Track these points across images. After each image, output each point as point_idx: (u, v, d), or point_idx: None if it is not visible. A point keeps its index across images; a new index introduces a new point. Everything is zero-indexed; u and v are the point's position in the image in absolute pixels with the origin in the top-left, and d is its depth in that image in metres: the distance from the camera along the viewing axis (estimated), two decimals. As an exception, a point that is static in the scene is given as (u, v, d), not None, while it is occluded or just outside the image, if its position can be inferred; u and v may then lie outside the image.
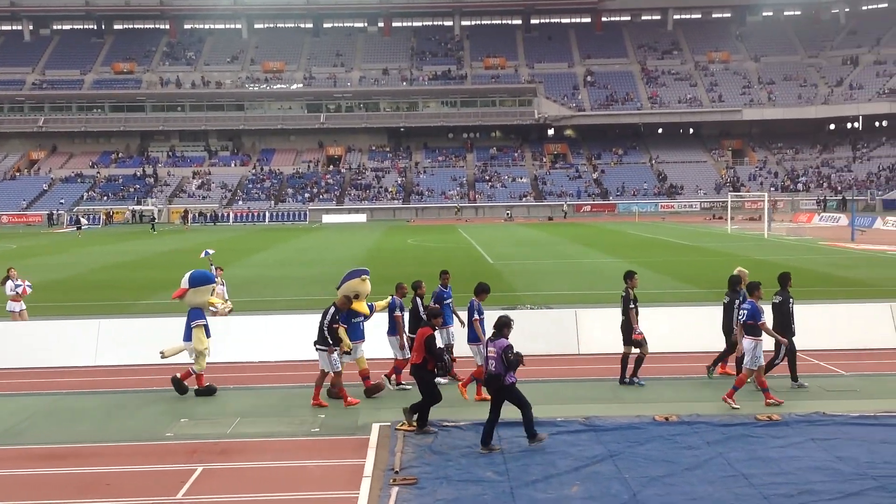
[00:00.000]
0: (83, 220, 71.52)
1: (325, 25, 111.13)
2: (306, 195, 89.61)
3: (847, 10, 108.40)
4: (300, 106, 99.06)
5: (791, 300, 14.20)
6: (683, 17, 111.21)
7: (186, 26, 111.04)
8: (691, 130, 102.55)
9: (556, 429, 11.82)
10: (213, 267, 19.56)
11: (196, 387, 14.46)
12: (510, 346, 11.13)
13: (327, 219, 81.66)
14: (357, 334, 14.34)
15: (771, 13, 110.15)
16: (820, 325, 16.57)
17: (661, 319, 17.21)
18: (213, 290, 15.59)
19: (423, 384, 12.01)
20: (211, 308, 15.88)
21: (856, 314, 17.91)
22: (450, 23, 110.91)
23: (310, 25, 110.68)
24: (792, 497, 9.20)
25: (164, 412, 13.33)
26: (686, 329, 17.17)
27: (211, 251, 20.62)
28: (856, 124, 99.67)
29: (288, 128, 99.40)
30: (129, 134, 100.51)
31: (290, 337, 17.11)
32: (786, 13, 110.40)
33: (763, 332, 13.21)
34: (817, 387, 14.19)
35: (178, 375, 14.45)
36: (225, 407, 13.59)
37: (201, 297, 14.80)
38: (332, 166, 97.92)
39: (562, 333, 17.23)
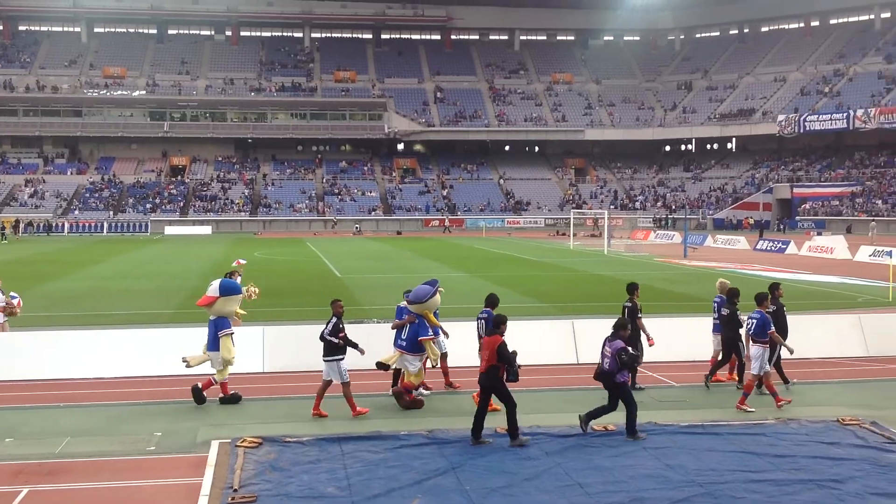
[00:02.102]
0: None
1: (171, 32, 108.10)
2: (148, 206, 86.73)
3: (682, 37, 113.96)
4: (143, 113, 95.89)
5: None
6: (530, 38, 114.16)
7: (21, 27, 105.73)
8: (537, 148, 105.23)
9: (400, 442, 11.83)
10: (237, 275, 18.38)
11: (221, 395, 14.36)
12: (625, 348, 12.07)
13: (170, 230, 79.29)
14: (421, 347, 14.16)
15: (612, 38, 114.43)
16: (655, 338, 17.17)
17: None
18: (240, 300, 15.29)
19: (499, 392, 11.82)
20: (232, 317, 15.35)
21: (686, 327, 18.72)
22: (300, 34, 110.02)
23: (154, 31, 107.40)
24: (624, 504, 9.52)
25: (-14, 432, 12.59)
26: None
27: (243, 261, 19.66)
28: (689, 146, 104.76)
29: (129, 136, 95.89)
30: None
31: (126, 352, 16.51)
32: (625, 38, 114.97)
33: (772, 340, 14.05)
34: (650, 398, 14.75)
35: (200, 385, 14.29)
36: (53, 425, 12.93)
37: (231, 306, 14.74)
38: (176, 176, 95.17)
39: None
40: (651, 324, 15.74)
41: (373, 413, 13.67)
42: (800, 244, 51.60)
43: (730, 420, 13.12)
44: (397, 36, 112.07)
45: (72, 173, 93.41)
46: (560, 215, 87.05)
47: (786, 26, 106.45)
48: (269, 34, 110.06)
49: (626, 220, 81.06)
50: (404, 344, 14.22)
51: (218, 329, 14.37)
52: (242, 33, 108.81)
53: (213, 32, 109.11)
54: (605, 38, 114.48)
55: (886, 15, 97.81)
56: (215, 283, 14.76)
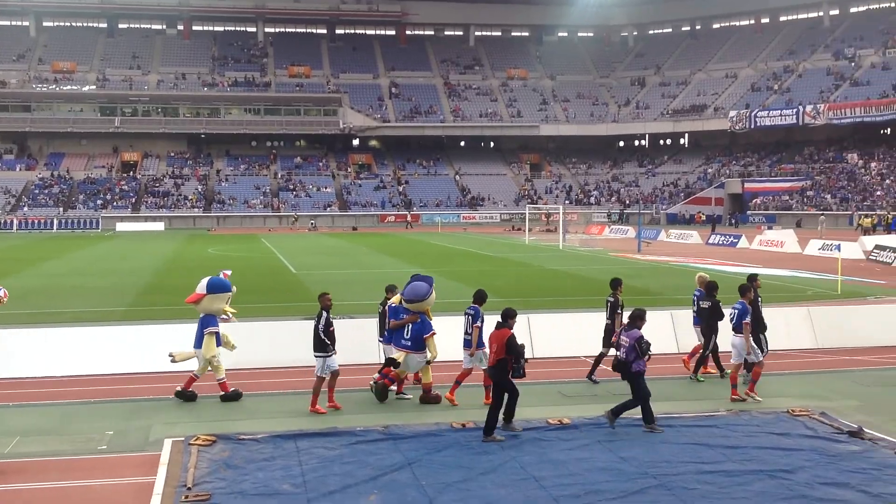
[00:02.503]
0: None
1: (121, 26, 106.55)
2: (99, 202, 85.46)
3: (635, 33, 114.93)
4: (93, 108, 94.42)
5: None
6: (485, 34, 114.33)
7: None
8: (492, 144, 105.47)
9: (356, 438, 11.82)
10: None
11: (222, 393, 14.33)
12: (643, 336, 12.38)
13: (122, 227, 78.27)
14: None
15: (566, 34, 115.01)
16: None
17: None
18: (229, 298, 15.15)
19: (504, 384, 11.99)
20: (222, 316, 15.17)
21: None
22: (253, 29, 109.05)
23: (104, 25, 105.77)
24: (579, 497, 9.59)
25: (-67, 434, 12.33)
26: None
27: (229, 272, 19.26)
28: (643, 142, 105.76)
29: (79, 131, 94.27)
30: None
31: (78, 350, 16.27)
32: (579, 34, 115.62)
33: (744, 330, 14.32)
34: (605, 391, 14.87)
35: (182, 386, 14.41)
36: (3, 425, 12.70)
37: (217, 304, 14.65)
38: (127, 172, 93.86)
39: (363, 342, 17.22)
40: (600, 318, 15.94)
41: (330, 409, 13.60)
42: (751, 238, 52.31)
43: (683, 412, 13.27)
44: (352, 31, 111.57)
45: (20, 169, 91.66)
46: (516, 210, 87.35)
47: (737, 23, 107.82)
48: (221, 28, 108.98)
49: (580, 215, 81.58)
50: (409, 344, 14.17)
51: (203, 327, 14.42)
52: (195, 27, 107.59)
53: (164, 27, 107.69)
54: (560, 34, 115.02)
55: (835, 12, 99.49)
56: (203, 281, 14.74)
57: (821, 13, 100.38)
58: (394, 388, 14.63)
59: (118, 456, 11.29)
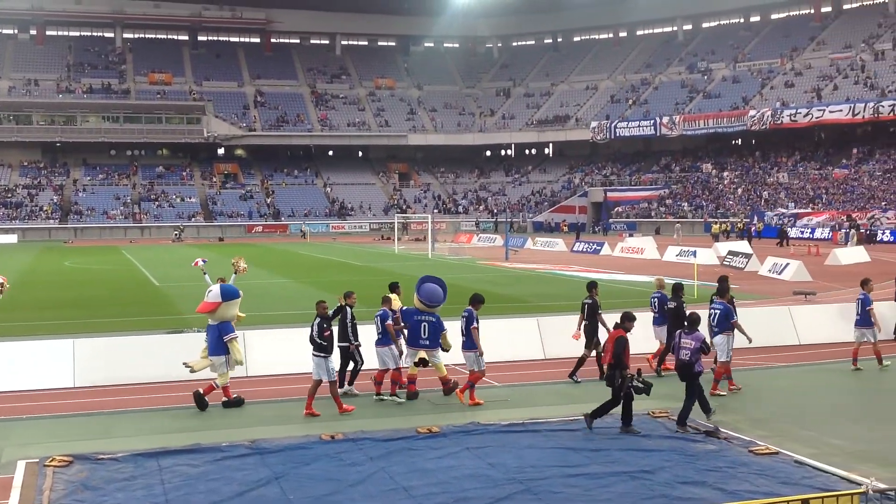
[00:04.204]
0: None
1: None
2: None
3: (500, 45, 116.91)
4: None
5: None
6: (351, 43, 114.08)
7: None
8: (360, 153, 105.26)
9: (222, 454, 11.54)
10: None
11: (224, 399, 14.47)
12: (705, 340, 13.01)
13: (-29, 240, 74.39)
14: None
15: (432, 44, 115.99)
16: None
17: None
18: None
19: (619, 386, 12.45)
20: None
21: (508, 328, 19.19)
22: (111, 34, 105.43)
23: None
24: (448, 505, 9.63)
25: None
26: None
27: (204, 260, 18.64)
28: (509, 151, 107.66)
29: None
30: None
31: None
32: (446, 45, 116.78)
33: (734, 329, 15.34)
34: (550, 393, 15.08)
35: (201, 391, 14.38)
36: None
37: (232, 310, 14.94)
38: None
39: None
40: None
41: (220, 420, 13.26)
42: (613, 245, 53.85)
43: (548, 417, 13.51)
44: (215, 38, 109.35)
45: None
46: (385, 220, 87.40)
47: (596, 36, 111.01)
48: (77, 34, 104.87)
49: (449, 224, 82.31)
50: (428, 343, 14.90)
51: (223, 334, 14.61)
52: (49, 32, 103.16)
53: (16, 31, 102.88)
54: (426, 44, 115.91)
55: (688, 27, 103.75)
56: (216, 289, 15.02)
57: (675, 28, 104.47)
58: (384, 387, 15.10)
59: (-35, 482, 10.69)
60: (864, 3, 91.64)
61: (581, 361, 16.35)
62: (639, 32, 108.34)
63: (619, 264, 44.65)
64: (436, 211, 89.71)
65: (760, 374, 17.08)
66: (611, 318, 19.59)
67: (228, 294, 14.90)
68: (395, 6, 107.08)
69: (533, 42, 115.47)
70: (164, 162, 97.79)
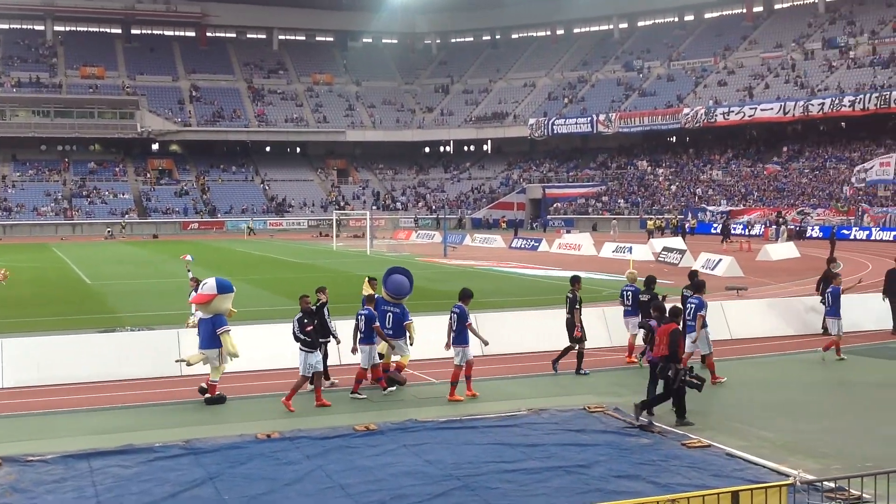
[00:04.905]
0: None
1: None
2: None
3: (438, 41, 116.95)
4: None
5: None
6: (288, 37, 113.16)
7: None
8: (298, 149, 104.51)
9: (155, 455, 11.37)
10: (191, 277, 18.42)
11: (207, 395, 14.54)
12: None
13: None
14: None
15: (371, 40, 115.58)
16: (416, 336, 17.38)
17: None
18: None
19: (671, 379, 12.72)
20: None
21: (445, 325, 19.15)
22: (41, 27, 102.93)
23: None
24: (385, 503, 9.61)
25: None
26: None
27: (190, 257, 18.31)
28: (447, 148, 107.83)
29: None
30: None
31: None
32: (384, 41, 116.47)
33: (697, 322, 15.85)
34: (411, 395, 15.03)
35: (205, 385, 14.67)
36: None
37: (226, 303, 14.96)
38: None
39: (162, 355, 16.64)
40: (415, 322, 16.20)
41: (151, 420, 13.04)
42: (551, 242, 54.27)
43: (486, 413, 13.57)
44: (149, 31, 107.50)
45: None
46: (323, 216, 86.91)
47: (534, 34, 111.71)
48: (6, 26, 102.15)
49: (388, 221, 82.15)
50: (392, 332, 15.31)
51: (216, 327, 14.59)
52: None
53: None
54: (365, 39, 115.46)
55: (624, 25, 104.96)
56: (211, 281, 15.01)
57: (611, 26, 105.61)
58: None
59: None
60: (795, 4, 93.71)
61: (564, 352, 16.84)
62: (576, 30, 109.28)
63: (556, 260, 45.01)
64: (375, 207, 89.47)
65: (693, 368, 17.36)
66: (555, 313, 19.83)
67: (223, 287, 14.97)
68: (333, 1, 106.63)
69: (471, 39, 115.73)
70: (97, 157, 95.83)
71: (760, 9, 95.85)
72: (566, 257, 47.67)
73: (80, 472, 10.71)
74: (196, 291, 15.91)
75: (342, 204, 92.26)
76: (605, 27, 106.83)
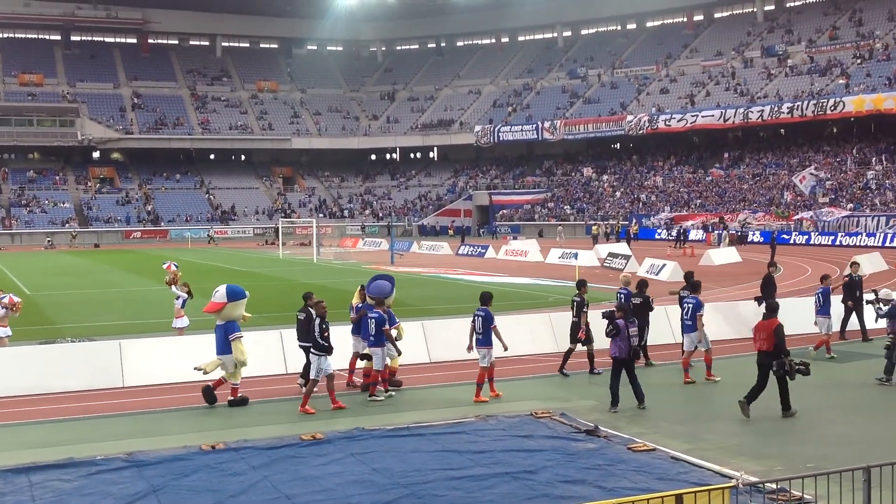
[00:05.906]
0: None
1: None
2: None
3: (383, 49, 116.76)
4: None
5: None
6: (232, 44, 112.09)
7: None
8: (243, 157, 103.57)
9: (96, 468, 11.17)
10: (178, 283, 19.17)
11: (230, 398, 14.77)
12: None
13: None
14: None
15: (316, 47, 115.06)
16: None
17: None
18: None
19: (788, 372, 13.39)
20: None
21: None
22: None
23: None
24: (332, 512, 9.56)
25: None
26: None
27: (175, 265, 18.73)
28: (394, 155, 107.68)
29: None
30: None
31: None
32: (329, 48, 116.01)
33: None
34: (357, 403, 14.96)
35: (211, 384, 14.82)
36: None
37: (238, 310, 15.22)
38: None
39: (104, 367, 16.37)
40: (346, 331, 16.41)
41: (94, 433, 12.79)
42: (498, 248, 54.45)
43: (433, 420, 13.56)
44: (89, 38, 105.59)
45: None
46: (269, 224, 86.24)
47: (479, 41, 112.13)
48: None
49: (335, 229, 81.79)
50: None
51: (228, 333, 14.84)
52: None
53: None
54: (309, 47, 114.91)
55: (567, 34, 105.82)
56: (222, 289, 15.20)
57: (555, 34, 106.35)
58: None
59: None
60: (734, 12, 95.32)
61: (567, 355, 17.25)
62: (520, 38, 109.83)
63: (503, 267, 45.20)
64: (321, 215, 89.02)
65: (638, 372, 17.51)
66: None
67: (234, 294, 15.18)
68: (277, 8, 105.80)
69: (417, 46, 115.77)
70: (36, 166, 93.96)
71: (701, 17, 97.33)
72: (513, 263, 47.90)
73: (19, 486, 10.49)
74: (185, 295, 17.27)
75: (288, 212, 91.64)
76: (549, 35, 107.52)
